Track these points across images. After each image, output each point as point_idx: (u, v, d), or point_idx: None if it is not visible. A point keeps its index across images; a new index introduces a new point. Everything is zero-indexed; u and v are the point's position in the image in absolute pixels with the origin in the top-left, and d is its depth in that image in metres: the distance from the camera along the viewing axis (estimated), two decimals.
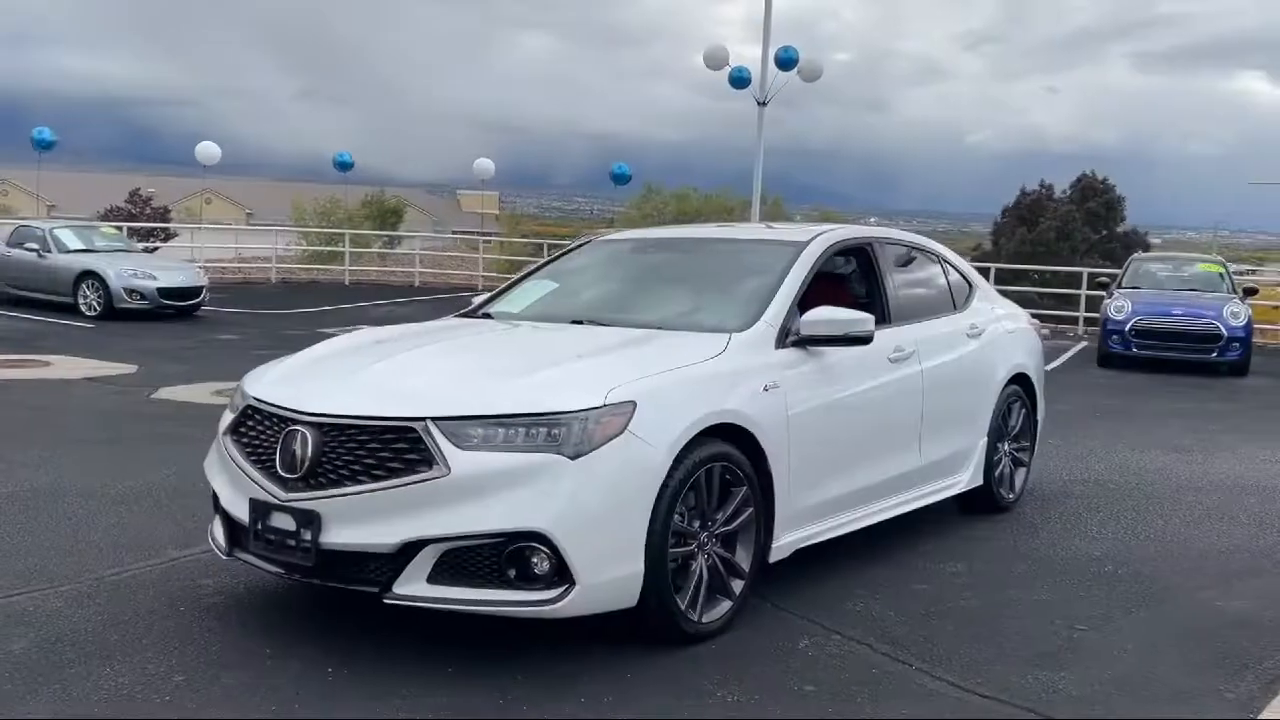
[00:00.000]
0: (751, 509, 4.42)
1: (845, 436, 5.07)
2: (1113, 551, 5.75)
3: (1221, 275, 16.45)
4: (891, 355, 5.40)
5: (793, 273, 5.13)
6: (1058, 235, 30.14)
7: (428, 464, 3.83)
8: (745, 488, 4.39)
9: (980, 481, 6.24)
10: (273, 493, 4.06)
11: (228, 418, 4.53)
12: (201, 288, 17.45)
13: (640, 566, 3.95)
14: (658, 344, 4.61)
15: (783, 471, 4.57)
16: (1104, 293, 17.02)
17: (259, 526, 4.12)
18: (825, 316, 4.87)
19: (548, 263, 6.14)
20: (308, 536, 3.97)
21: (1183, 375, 14.63)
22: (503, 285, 6.03)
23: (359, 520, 3.91)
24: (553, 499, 3.79)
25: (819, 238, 5.47)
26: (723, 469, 4.28)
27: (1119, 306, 15.28)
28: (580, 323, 5.12)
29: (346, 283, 25.17)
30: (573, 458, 3.82)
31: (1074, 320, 20.78)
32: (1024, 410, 6.75)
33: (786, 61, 19.77)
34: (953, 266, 6.54)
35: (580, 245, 6.26)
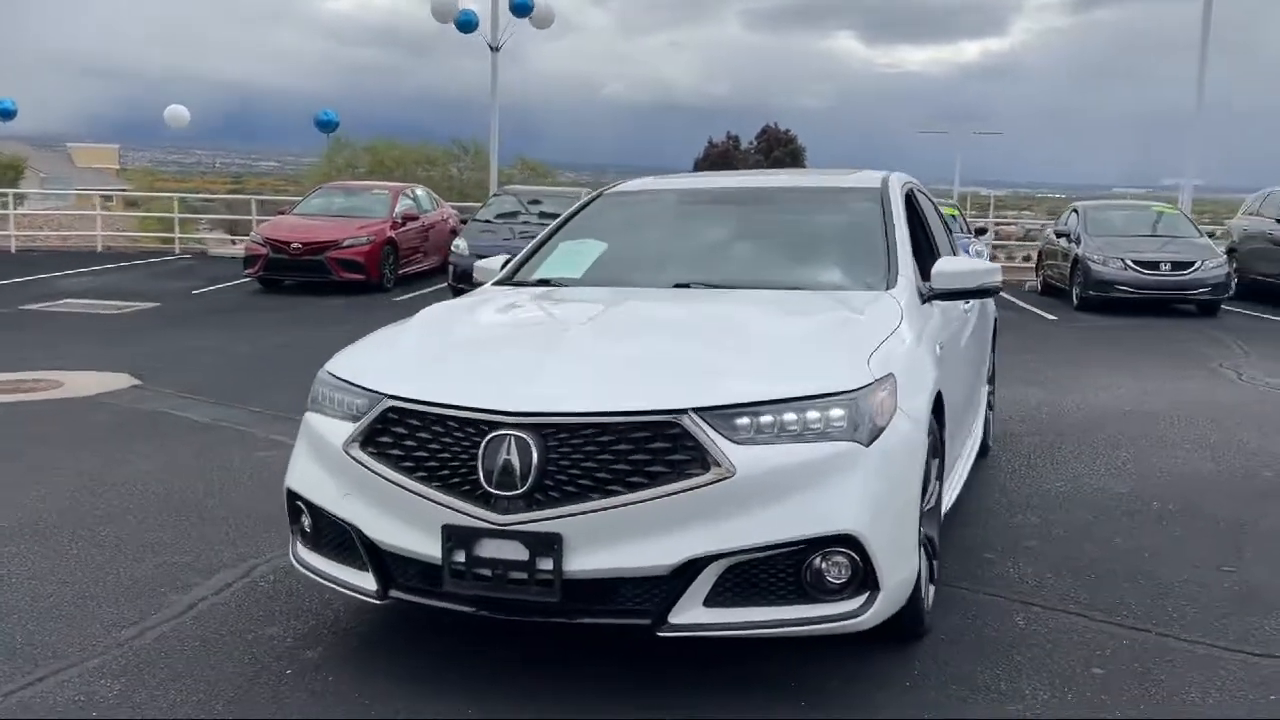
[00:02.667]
0: (938, 481, 4.07)
1: (964, 394, 4.83)
2: (1134, 489, 5.87)
3: (955, 216, 17.68)
4: (965, 306, 5.19)
5: (895, 221, 4.78)
6: None
7: (701, 465, 3.16)
8: (938, 459, 4.03)
9: (983, 429, 6.21)
10: (481, 516, 3.23)
11: (342, 427, 3.55)
12: None
13: (917, 561, 3.50)
14: (847, 307, 4.12)
15: (948, 437, 4.25)
16: None
17: (460, 559, 3.27)
18: (958, 268, 4.57)
19: (566, 222, 5.37)
20: (547, 566, 3.19)
21: None
22: (526, 250, 5.23)
23: (615, 540, 3.18)
24: (856, 494, 3.24)
25: (890, 180, 5.15)
26: (931, 441, 3.90)
27: None
28: (686, 285, 4.51)
29: (13, 250, 21.80)
30: (867, 444, 3.29)
31: None
32: (993, 355, 6.80)
33: (521, 7, 19.08)
34: (939, 212, 6.43)
35: (593, 200, 5.53)
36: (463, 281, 15.67)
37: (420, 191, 19.07)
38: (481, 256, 16.57)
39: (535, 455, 3.18)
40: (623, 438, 3.19)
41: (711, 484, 3.13)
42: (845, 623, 3.24)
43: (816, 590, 3.24)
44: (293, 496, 3.76)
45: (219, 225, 27.05)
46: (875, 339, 3.69)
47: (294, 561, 3.82)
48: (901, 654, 3.69)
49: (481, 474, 3.23)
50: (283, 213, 17.92)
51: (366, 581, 3.52)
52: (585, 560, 3.18)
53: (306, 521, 3.74)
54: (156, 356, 10.46)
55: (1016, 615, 4.08)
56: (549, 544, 3.17)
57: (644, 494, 3.14)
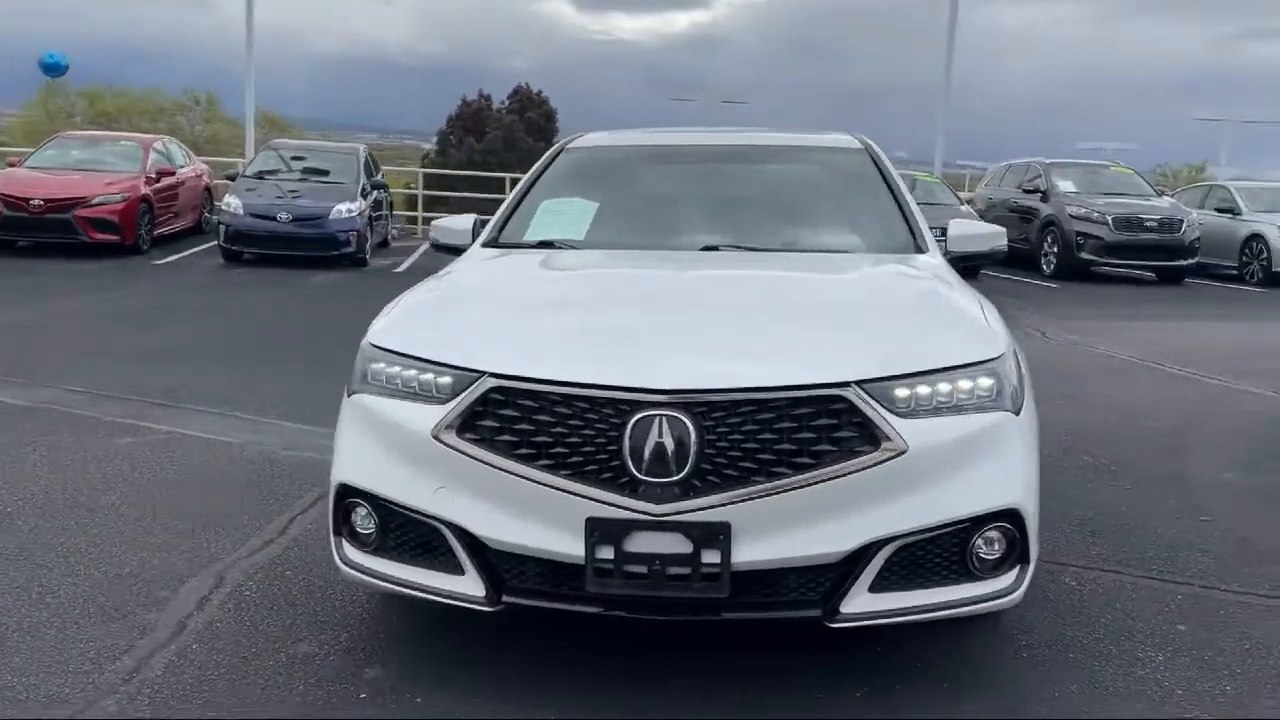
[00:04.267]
0: None
1: None
2: (1058, 445, 6.07)
3: None
4: None
5: (897, 181, 4.69)
6: (504, 145, 30.80)
7: (868, 441, 2.93)
8: None
9: None
10: (632, 507, 2.86)
11: (423, 410, 3.05)
12: None
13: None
14: (914, 270, 3.97)
15: None
16: None
17: (607, 556, 2.89)
18: (973, 231, 4.54)
19: (535, 180, 4.88)
20: (713, 559, 2.87)
21: None
22: (501, 211, 4.73)
23: (784, 526, 2.90)
24: (1015, 466, 3.11)
25: (866, 140, 5.03)
26: None
27: None
28: (715, 249, 4.22)
29: None
30: (1016, 413, 3.17)
31: None
32: None
33: None
34: None
35: (557, 156, 5.04)
36: (235, 243, 14.51)
37: (172, 145, 17.44)
38: (258, 216, 15.47)
39: (693, 437, 2.85)
40: (784, 415, 2.90)
41: (884, 462, 2.91)
42: (1002, 600, 3.10)
43: (977, 568, 3.09)
44: (348, 493, 3.22)
45: None
46: (973, 304, 3.58)
47: (344, 568, 3.27)
48: (993, 625, 3.61)
49: (629, 459, 2.86)
50: (13, 165, 15.90)
51: (467, 587, 3.06)
52: (754, 550, 2.89)
53: (365, 521, 3.22)
54: None
55: (1063, 576, 4.11)
56: (715, 534, 2.86)
57: (814, 475, 2.88)
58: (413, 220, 21.45)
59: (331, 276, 13.79)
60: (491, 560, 3.04)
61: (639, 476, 2.85)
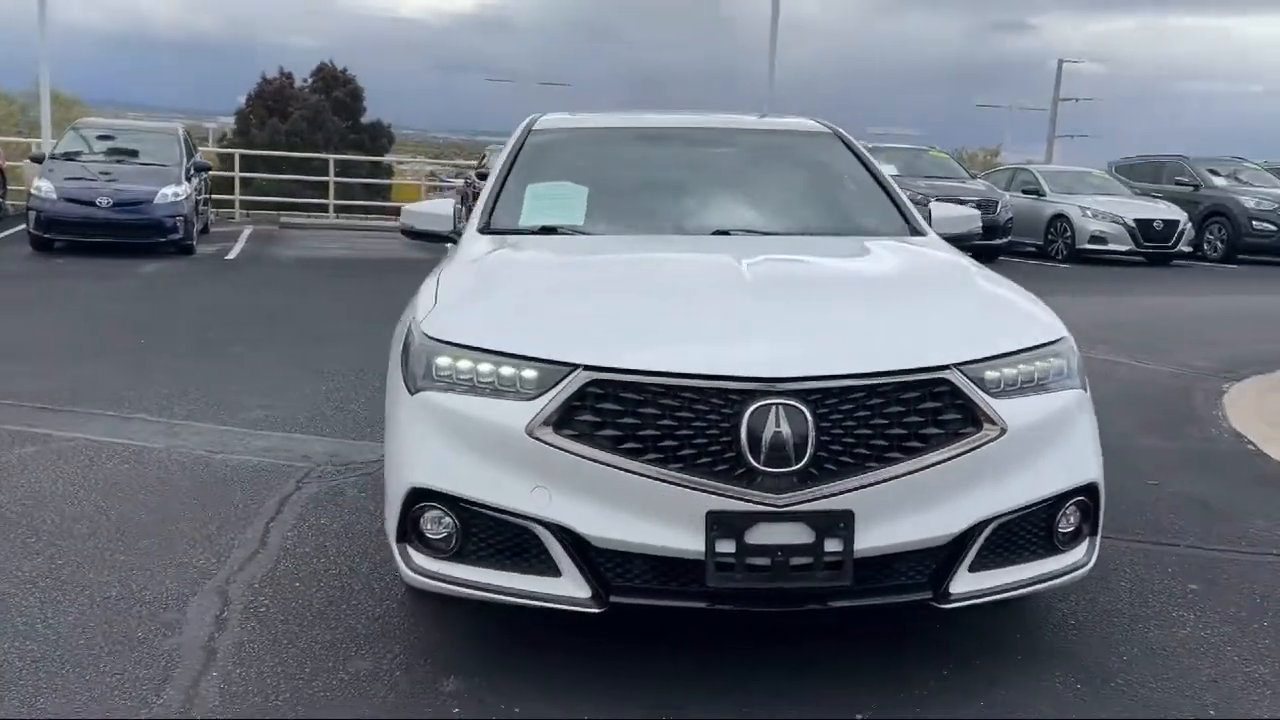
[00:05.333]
0: None
1: None
2: None
3: None
4: None
5: (874, 165, 4.75)
6: (310, 125, 29.39)
7: (973, 422, 2.95)
8: None
9: None
10: (753, 498, 2.79)
11: (511, 407, 2.88)
12: None
13: None
14: (938, 251, 4.06)
15: None
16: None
17: (728, 550, 2.81)
18: (956, 214, 4.64)
19: (512, 163, 4.63)
20: (836, 547, 2.83)
21: None
22: (487, 196, 4.48)
23: (900, 511, 2.89)
24: (1089, 441, 3.23)
25: (832, 125, 5.08)
26: None
27: None
28: (726, 233, 4.16)
29: None
30: (1085, 390, 3.29)
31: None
32: None
33: None
34: None
35: (526, 138, 4.80)
36: (49, 231, 13.42)
37: None
38: (74, 201, 14.39)
39: (811, 425, 2.81)
40: (892, 399, 2.90)
41: (989, 442, 2.95)
42: (1078, 572, 3.20)
43: (1059, 542, 3.18)
44: (422, 496, 3.01)
45: None
46: (1011, 286, 3.67)
47: (414, 576, 3.05)
48: (1030, 597, 3.71)
49: (747, 451, 2.79)
50: None
51: (568, 589, 2.92)
52: (875, 536, 2.87)
53: (437, 526, 3.02)
54: None
55: None
56: (838, 522, 2.83)
57: (927, 458, 2.89)
58: (229, 204, 20.34)
59: (161, 265, 12.96)
60: (595, 560, 2.91)
61: (758, 467, 2.79)
